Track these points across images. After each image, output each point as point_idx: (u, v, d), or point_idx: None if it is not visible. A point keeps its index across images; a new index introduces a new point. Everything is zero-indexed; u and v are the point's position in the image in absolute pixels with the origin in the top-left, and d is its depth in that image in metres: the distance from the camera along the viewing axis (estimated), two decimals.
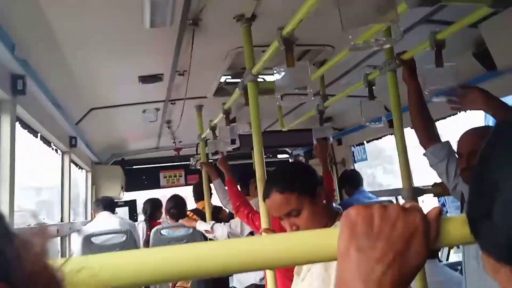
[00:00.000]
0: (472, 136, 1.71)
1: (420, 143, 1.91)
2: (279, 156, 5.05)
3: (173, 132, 3.87)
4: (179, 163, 4.93)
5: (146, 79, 2.46)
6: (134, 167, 4.99)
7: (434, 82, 1.72)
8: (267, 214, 1.82)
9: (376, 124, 2.15)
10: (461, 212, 1.96)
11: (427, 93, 1.72)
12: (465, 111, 1.62)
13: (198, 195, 3.72)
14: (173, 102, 3.06)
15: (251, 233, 2.96)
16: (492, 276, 0.38)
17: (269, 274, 1.80)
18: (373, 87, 2.15)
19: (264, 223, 1.82)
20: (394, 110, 1.95)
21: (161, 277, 0.54)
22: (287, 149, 4.84)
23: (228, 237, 2.95)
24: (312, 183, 1.32)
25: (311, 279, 1.22)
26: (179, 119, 3.42)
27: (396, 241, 0.49)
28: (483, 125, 1.85)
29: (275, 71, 1.59)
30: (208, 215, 3.33)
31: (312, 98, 1.69)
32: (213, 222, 3.09)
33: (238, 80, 2.15)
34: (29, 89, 1.91)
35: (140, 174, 5.03)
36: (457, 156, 1.78)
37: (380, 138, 3.53)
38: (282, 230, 2.54)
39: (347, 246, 0.50)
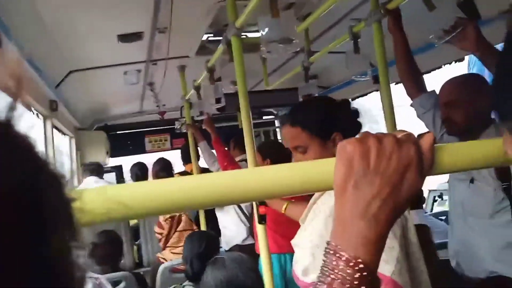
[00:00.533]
0: (449, 86, 1.73)
1: (407, 93, 1.91)
2: (265, 117, 5.03)
3: (156, 95, 3.80)
4: (164, 127, 4.88)
5: (125, 38, 2.38)
6: (118, 132, 4.93)
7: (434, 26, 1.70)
8: None
9: (362, 77, 2.13)
10: None
11: (431, 38, 1.70)
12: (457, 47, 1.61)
13: (186, 158, 3.71)
14: (154, 62, 2.98)
15: None
16: None
17: (260, 230, 1.82)
18: (359, 40, 2.12)
19: None
20: (380, 63, 1.93)
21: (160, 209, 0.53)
22: (272, 109, 4.81)
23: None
24: (329, 125, 1.25)
25: (312, 231, 1.22)
26: (162, 80, 3.35)
27: (392, 175, 0.49)
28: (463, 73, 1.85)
29: (259, 22, 1.54)
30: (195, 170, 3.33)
31: (298, 49, 1.66)
32: None
33: (221, 38, 2.09)
34: (4, 49, 1.83)
35: (124, 139, 4.97)
36: None
37: (366, 94, 3.52)
38: None
39: (344, 183, 0.50)
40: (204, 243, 1.99)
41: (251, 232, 2.99)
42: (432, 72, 2.67)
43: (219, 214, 3.10)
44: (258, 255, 1.95)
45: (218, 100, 2.50)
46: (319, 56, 2.48)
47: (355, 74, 2.16)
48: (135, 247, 3.65)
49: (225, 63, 2.15)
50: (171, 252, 2.63)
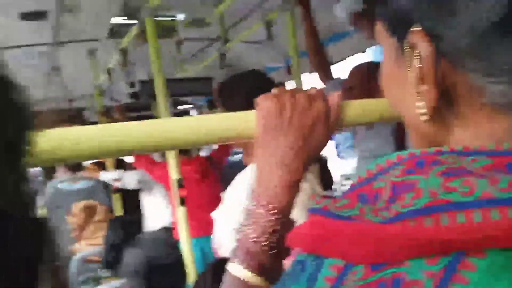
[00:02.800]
0: (349, 73, 1.90)
1: (319, 79, 2.04)
2: (180, 107, 4.97)
3: (63, 81, 3.57)
4: (73, 117, 4.59)
5: (28, 16, 2.21)
6: None
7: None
8: (176, 162, 1.81)
9: (277, 64, 2.22)
10: (353, 147, 2.15)
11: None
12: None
13: None
14: (61, 44, 2.80)
15: None
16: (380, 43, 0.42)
17: (180, 213, 1.82)
18: (274, 32, 2.20)
19: (174, 173, 1.81)
20: (293, 53, 2.03)
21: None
22: (188, 99, 4.77)
23: (139, 182, 2.87)
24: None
25: (227, 205, 1.25)
26: (70, 65, 3.16)
27: (304, 128, 0.54)
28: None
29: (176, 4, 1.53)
30: (110, 165, 3.20)
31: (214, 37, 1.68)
32: (121, 171, 2.97)
33: (134, 21, 2.03)
34: None
35: None
36: None
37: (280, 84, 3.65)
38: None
39: (263, 135, 0.55)
40: (123, 230, 1.94)
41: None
42: (338, 63, 2.86)
43: (146, 197, 3.00)
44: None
45: (131, 85, 2.43)
46: (235, 43, 2.53)
47: (270, 61, 2.24)
48: None
49: (138, 46, 2.10)
50: (88, 245, 2.50)
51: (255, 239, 0.51)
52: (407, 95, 0.38)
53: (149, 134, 0.54)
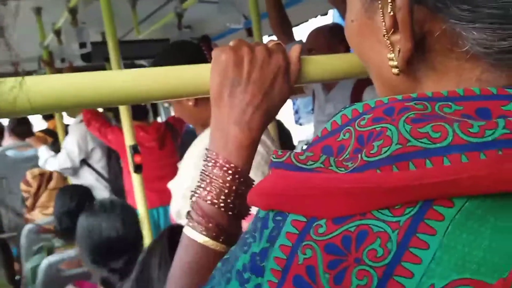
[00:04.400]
0: (311, 34, 1.89)
1: (279, 41, 2.00)
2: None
3: (8, 42, 3.32)
4: None
5: None
6: None
7: None
8: (131, 128, 1.74)
9: (237, 25, 2.15)
10: (313, 112, 2.15)
11: None
12: None
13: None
14: (4, 2, 2.58)
15: (84, 161, 2.85)
16: None
17: (136, 180, 1.77)
18: None
19: (128, 139, 1.74)
20: (253, 14, 1.96)
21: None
22: (144, 61, 4.60)
23: (62, 172, 2.79)
24: None
25: (183, 174, 1.22)
26: (14, 25, 2.93)
27: (264, 82, 0.51)
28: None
29: None
30: (61, 135, 3.06)
31: None
32: (52, 154, 2.86)
33: None
34: None
35: None
36: None
37: None
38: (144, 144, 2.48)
39: (219, 92, 0.51)
40: (76, 198, 1.85)
41: (114, 192, 2.89)
42: (300, 25, 2.82)
43: (73, 179, 2.92)
44: None
45: (82, 45, 2.29)
46: (193, 3, 2.42)
47: (230, 21, 2.16)
48: None
49: (89, 2, 1.96)
50: (42, 213, 2.41)
51: (211, 201, 0.49)
52: (376, 46, 0.36)
53: (92, 87, 0.49)
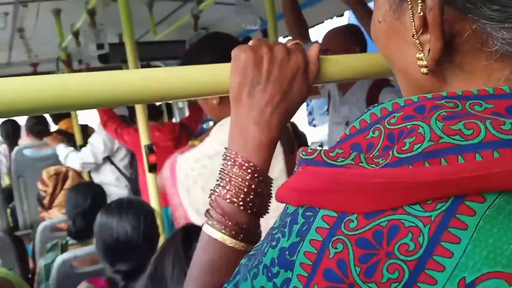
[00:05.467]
0: (327, 35, 1.89)
1: None
2: None
3: (27, 44, 3.38)
4: None
5: None
6: None
7: None
8: (147, 128, 1.76)
9: (252, 27, 2.15)
10: (328, 114, 2.14)
11: None
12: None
13: (59, 114, 3.43)
14: (25, 4, 2.63)
15: (108, 158, 2.88)
16: None
17: (150, 180, 1.78)
18: None
19: (144, 139, 1.75)
20: (269, 16, 1.96)
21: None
22: (159, 63, 4.64)
23: (81, 167, 2.83)
24: None
25: None
26: (34, 26, 2.99)
27: (282, 82, 0.51)
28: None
29: None
30: (78, 135, 3.10)
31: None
32: (71, 149, 2.90)
33: None
34: None
35: None
36: None
37: None
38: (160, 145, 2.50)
39: (239, 91, 0.51)
40: (90, 197, 1.86)
41: (133, 192, 2.92)
42: (315, 26, 2.81)
43: (94, 175, 2.96)
44: None
45: (100, 47, 2.32)
46: (209, 4, 2.43)
47: (246, 23, 2.16)
48: (8, 210, 3.32)
49: (107, 4, 1.99)
50: (61, 213, 2.44)
51: (230, 199, 0.49)
52: (404, 46, 0.36)
53: (114, 86, 0.49)
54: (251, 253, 0.38)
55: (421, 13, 0.32)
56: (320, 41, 2.00)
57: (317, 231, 0.30)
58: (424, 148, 0.28)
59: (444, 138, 0.28)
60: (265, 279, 0.33)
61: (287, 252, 0.31)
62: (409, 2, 0.33)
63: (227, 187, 0.49)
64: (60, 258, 1.55)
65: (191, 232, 0.92)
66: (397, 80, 0.41)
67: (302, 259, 0.30)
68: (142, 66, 4.52)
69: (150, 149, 1.75)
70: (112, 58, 2.89)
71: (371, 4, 2.05)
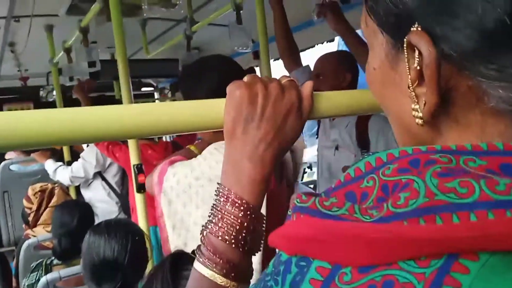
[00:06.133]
0: (319, 60, 1.92)
1: (286, 68, 2.03)
2: (144, 89, 4.84)
3: (18, 58, 3.37)
4: (27, 95, 4.36)
5: None
6: None
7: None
8: (136, 148, 1.75)
9: (244, 50, 2.18)
10: (317, 137, 2.16)
11: (312, 13, 1.79)
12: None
13: None
14: (17, 19, 2.63)
15: (99, 174, 2.86)
16: (367, 38, 0.40)
17: (138, 199, 1.77)
18: (241, 12, 2.15)
19: (134, 158, 1.75)
20: (261, 38, 1.99)
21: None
22: (151, 81, 4.65)
23: (71, 181, 2.81)
24: None
25: None
26: (26, 41, 2.98)
27: (276, 119, 0.51)
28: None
29: None
30: (66, 150, 3.07)
31: (180, 18, 1.61)
32: (60, 164, 2.87)
33: None
34: None
35: None
36: None
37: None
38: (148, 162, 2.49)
39: (233, 127, 0.51)
40: (77, 216, 1.83)
41: (123, 209, 2.89)
42: (306, 50, 2.85)
43: (84, 191, 2.92)
44: None
45: (91, 64, 2.32)
46: (202, 26, 2.46)
47: (238, 45, 2.19)
48: None
49: (101, 23, 2.00)
50: (45, 230, 2.39)
51: (222, 236, 0.48)
52: (400, 96, 0.36)
53: (108, 121, 0.49)
54: None
55: (418, 67, 0.33)
56: (311, 65, 2.03)
57: (310, 283, 0.30)
58: (419, 204, 0.28)
59: (439, 195, 0.28)
60: None
61: None
62: (406, 55, 0.34)
63: (219, 224, 0.49)
64: (44, 279, 1.53)
65: (180, 260, 0.91)
66: (391, 124, 0.42)
67: None
68: (133, 83, 4.51)
69: (139, 169, 1.74)
70: (103, 75, 2.89)
71: (359, 32, 2.10)
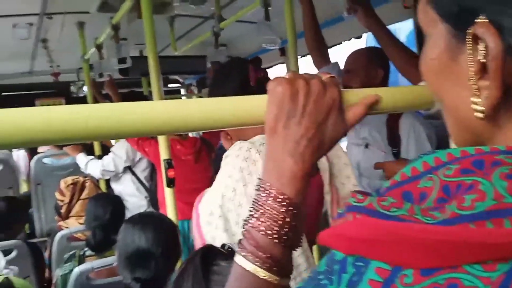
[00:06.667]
0: (350, 55, 1.90)
1: (314, 64, 2.01)
2: (170, 85, 4.90)
3: (50, 54, 3.46)
4: (58, 91, 4.48)
5: None
6: (3, 94, 4.42)
7: None
8: (167, 143, 1.78)
9: (272, 46, 2.18)
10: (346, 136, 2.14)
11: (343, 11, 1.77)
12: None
13: None
14: (49, 16, 2.71)
15: (129, 168, 2.91)
16: (425, 27, 0.39)
17: (168, 194, 1.80)
18: (269, 8, 2.14)
19: (164, 153, 1.78)
20: (290, 34, 1.99)
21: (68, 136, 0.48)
22: (178, 77, 4.70)
23: (101, 175, 2.86)
24: None
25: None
26: (58, 37, 3.06)
27: (318, 115, 0.51)
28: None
29: None
30: (96, 144, 3.15)
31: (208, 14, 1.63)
32: (91, 158, 2.94)
33: None
34: None
35: (11, 101, 4.46)
36: None
37: (272, 67, 3.60)
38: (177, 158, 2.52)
39: (275, 123, 0.51)
40: (110, 209, 1.87)
41: (152, 203, 2.94)
42: (333, 47, 2.83)
43: (114, 184, 2.99)
44: None
45: (122, 60, 2.36)
46: (230, 23, 2.47)
47: (266, 42, 2.19)
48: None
49: (132, 20, 2.03)
50: (78, 222, 2.46)
51: (264, 231, 0.49)
52: (458, 88, 0.36)
53: (148, 116, 0.50)
54: None
55: (482, 59, 0.32)
56: (339, 62, 2.01)
57: (369, 283, 0.29)
58: (486, 206, 0.28)
59: (508, 198, 0.28)
60: None
61: None
62: (469, 47, 0.33)
63: (261, 219, 0.49)
64: (78, 269, 1.57)
65: (210, 254, 0.93)
66: (444, 116, 0.41)
67: None
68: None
69: (169, 164, 1.77)
70: (132, 71, 2.94)
71: (390, 27, 2.06)
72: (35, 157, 3.26)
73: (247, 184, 1.03)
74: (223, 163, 1.16)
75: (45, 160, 3.24)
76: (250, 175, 1.03)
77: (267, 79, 1.21)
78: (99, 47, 2.71)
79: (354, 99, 0.56)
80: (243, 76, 1.13)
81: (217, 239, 1.03)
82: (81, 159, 2.94)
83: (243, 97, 0.55)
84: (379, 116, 1.80)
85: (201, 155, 2.72)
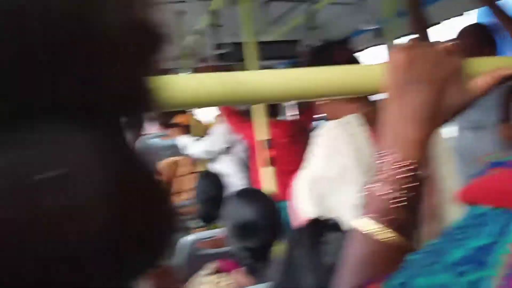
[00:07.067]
0: (460, 34, 1.79)
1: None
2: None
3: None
4: None
5: None
6: None
7: None
8: (265, 124, 1.84)
9: (368, 26, 2.13)
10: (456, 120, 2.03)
11: None
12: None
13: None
14: None
15: (227, 149, 3.03)
16: None
17: (267, 173, 1.86)
18: None
19: (262, 134, 1.84)
20: (388, 14, 1.93)
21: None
22: (269, 63, 4.73)
23: (203, 155, 3.02)
24: None
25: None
26: None
27: (437, 83, 0.50)
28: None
29: None
30: (195, 129, 3.35)
31: None
32: (194, 139, 3.13)
33: None
34: None
35: None
36: None
37: (364, 49, 3.50)
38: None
39: (393, 90, 0.52)
40: (216, 185, 2.02)
41: (249, 184, 3.04)
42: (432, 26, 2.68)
43: (212, 165, 3.14)
44: None
45: (219, 46, 2.46)
46: (323, 5, 2.45)
47: (362, 23, 2.15)
48: None
49: (229, 5, 2.10)
50: (177, 199, 2.67)
51: (386, 196, 0.50)
52: None
53: (263, 84, 0.53)
54: (421, 251, 0.38)
55: None
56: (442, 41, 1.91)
57: None
58: None
59: None
60: (450, 277, 0.33)
61: (477, 253, 0.31)
62: None
63: (382, 183, 0.50)
64: (185, 240, 1.71)
65: (318, 226, 0.96)
66: None
67: (498, 261, 0.30)
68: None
69: (267, 144, 1.83)
70: (227, 57, 3.05)
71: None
72: (142, 138, 3.55)
73: (336, 161, 1.10)
74: (314, 143, 1.21)
75: (151, 141, 3.51)
76: (339, 152, 1.10)
77: (355, 60, 1.24)
78: (199, 33, 2.83)
79: (479, 69, 0.54)
80: (335, 58, 1.16)
81: (314, 215, 1.10)
82: (184, 140, 3.13)
83: (358, 66, 0.57)
84: (491, 97, 1.68)
85: (297, 138, 2.76)
